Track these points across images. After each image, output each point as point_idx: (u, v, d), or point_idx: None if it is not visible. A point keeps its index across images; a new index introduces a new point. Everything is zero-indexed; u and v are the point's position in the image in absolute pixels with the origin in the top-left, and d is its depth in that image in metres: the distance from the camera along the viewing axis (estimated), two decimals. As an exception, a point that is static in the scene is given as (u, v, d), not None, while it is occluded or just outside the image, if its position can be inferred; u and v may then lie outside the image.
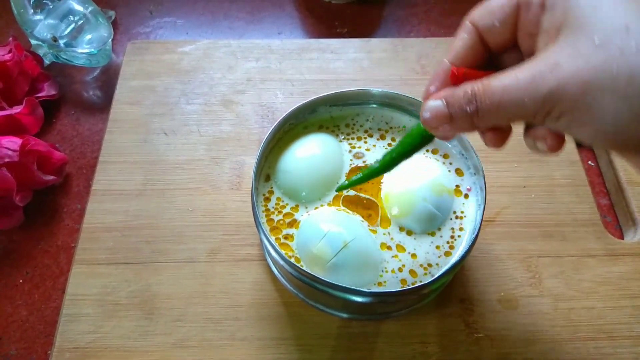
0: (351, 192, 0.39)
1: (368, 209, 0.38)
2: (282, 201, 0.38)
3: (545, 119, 0.21)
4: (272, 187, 0.39)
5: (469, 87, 0.23)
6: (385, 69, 0.53)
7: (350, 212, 0.38)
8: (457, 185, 0.39)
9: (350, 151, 0.41)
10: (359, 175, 0.33)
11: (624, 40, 0.19)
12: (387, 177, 0.39)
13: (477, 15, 0.25)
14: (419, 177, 0.38)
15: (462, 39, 0.26)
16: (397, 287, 0.35)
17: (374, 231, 0.37)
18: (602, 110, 0.20)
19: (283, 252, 0.35)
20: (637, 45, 0.19)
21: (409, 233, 0.37)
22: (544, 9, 0.22)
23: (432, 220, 0.37)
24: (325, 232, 0.35)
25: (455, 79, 0.24)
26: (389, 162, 0.31)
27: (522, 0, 0.23)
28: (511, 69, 0.22)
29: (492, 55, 0.26)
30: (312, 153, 0.40)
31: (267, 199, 0.39)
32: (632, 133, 0.20)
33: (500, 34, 0.25)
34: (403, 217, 0.37)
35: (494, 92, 0.22)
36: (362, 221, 0.37)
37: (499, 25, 0.24)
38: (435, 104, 0.24)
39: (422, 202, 0.37)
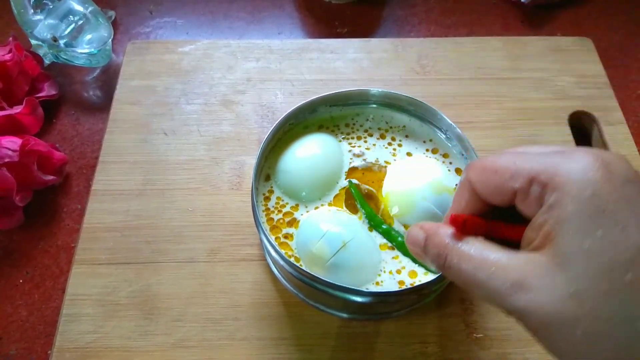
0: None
1: (369, 199, 0.38)
2: (282, 200, 0.38)
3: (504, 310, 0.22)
4: (272, 187, 0.39)
5: (443, 243, 0.24)
6: (385, 69, 0.53)
7: (350, 213, 0.38)
8: (456, 185, 0.39)
9: (350, 150, 0.41)
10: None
11: (600, 303, 0.19)
12: (387, 176, 0.39)
13: (477, 181, 0.24)
14: (419, 176, 0.38)
15: (463, 196, 0.25)
16: (395, 288, 0.35)
17: (372, 229, 0.37)
18: (555, 343, 0.20)
19: (283, 252, 0.35)
20: (611, 312, 0.19)
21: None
22: (539, 204, 0.21)
23: (433, 219, 0.37)
24: (324, 231, 0.35)
25: (456, 224, 0.24)
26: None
27: (520, 191, 0.22)
28: (485, 247, 0.22)
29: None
30: (312, 153, 0.40)
31: (267, 199, 0.39)
32: None
33: (498, 202, 0.24)
34: (404, 216, 0.37)
35: (464, 270, 0.23)
36: (363, 222, 0.37)
37: (496, 197, 0.24)
38: (416, 234, 0.26)
39: (422, 201, 0.37)
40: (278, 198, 0.38)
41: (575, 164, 0.21)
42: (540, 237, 0.21)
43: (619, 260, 0.19)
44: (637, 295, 0.19)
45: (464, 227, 0.24)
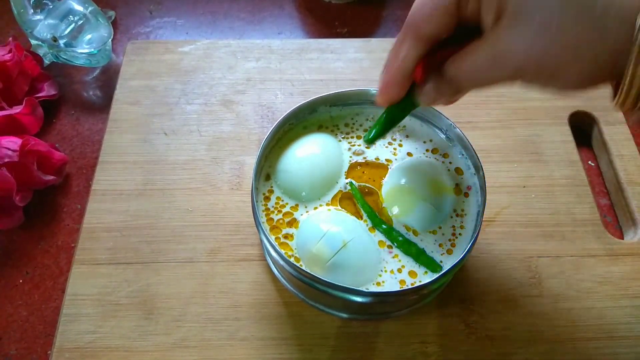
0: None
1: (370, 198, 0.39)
2: (282, 200, 0.38)
3: (514, 83, 0.26)
4: (272, 187, 0.39)
5: (447, 73, 0.28)
6: (385, 69, 0.53)
7: (349, 213, 0.38)
8: (456, 184, 0.39)
9: (349, 149, 0.41)
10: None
11: (563, 14, 0.22)
12: (387, 176, 0.39)
13: (420, 20, 0.27)
14: (419, 176, 0.38)
15: (405, 44, 0.28)
16: (396, 288, 0.35)
17: (373, 230, 0.37)
18: (561, 75, 0.24)
19: (283, 251, 0.35)
20: (557, 27, 0.23)
21: (414, 233, 0.37)
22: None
23: (433, 219, 0.37)
24: (325, 232, 0.35)
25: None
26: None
27: None
28: (473, 46, 0.26)
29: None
30: (311, 153, 0.40)
31: (267, 198, 0.39)
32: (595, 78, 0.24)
33: (440, 25, 0.27)
34: (403, 216, 0.37)
35: (469, 73, 0.27)
36: (364, 221, 0.37)
37: (442, 29, 0.27)
38: (429, 90, 0.30)
39: (422, 201, 0.37)
40: (278, 198, 0.38)
41: None
42: (494, 13, 0.24)
43: None
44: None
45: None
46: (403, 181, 0.38)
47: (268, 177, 0.40)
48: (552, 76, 0.24)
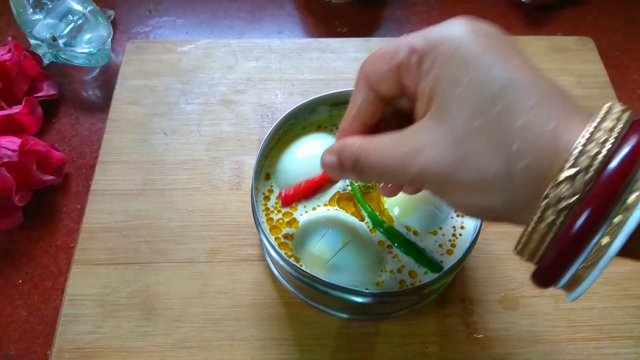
0: (348, 188, 0.39)
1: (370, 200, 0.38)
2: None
3: (418, 189, 0.24)
4: (272, 186, 0.39)
5: (353, 150, 0.25)
6: (385, 68, 0.53)
7: (348, 213, 0.38)
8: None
9: None
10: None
11: (475, 141, 0.20)
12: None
13: (370, 71, 0.26)
14: None
15: (359, 94, 0.26)
16: (396, 288, 0.35)
17: (374, 231, 0.37)
18: (456, 197, 0.22)
19: (282, 252, 0.35)
20: (487, 145, 0.20)
21: (415, 233, 0.37)
22: (419, 74, 0.23)
23: (434, 220, 0.37)
24: (324, 232, 0.35)
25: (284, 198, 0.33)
26: None
27: (402, 64, 0.23)
28: (387, 135, 0.24)
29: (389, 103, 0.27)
30: (311, 153, 0.39)
31: (267, 198, 0.38)
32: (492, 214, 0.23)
33: (390, 89, 0.25)
34: (404, 217, 0.37)
35: (374, 161, 0.24)
36: (365, 223, 0.37)
37: (387, 83, 0.25)
38: (329, 160, 0.27)
39: (423, 202, 0.37)
40: (278, 198, 0.38)
41: (445, 28, 0.22)
42: (424, 103, 0.23)
43: (486, 96, 0.20)
44: (507, 122, 0.20)
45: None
46: None
47: (268, 177, 0.39)
48: (452, 197, 0.23)
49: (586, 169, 0.18)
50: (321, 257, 0.34)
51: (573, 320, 0.39)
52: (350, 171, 0.26)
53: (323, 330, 0.38)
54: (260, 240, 0.39)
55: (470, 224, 0.37)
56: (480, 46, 0.21)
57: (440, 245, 0.36)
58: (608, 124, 0.19)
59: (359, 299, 0.33)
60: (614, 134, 0.19)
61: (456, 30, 0.22)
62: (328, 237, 0.35)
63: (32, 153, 0.44)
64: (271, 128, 0.38)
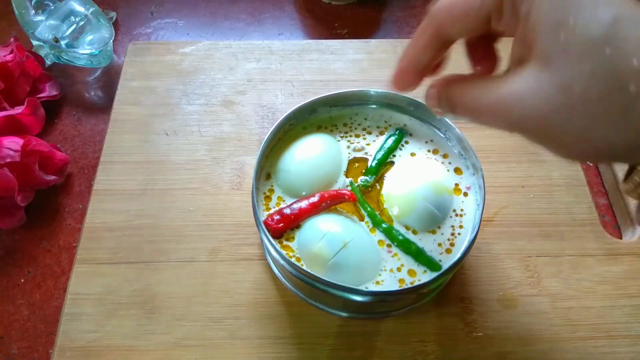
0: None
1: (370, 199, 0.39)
2: (284, 201, 0.39)
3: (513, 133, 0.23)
4: (272, 186, 0.39)
5: (450, 94, 0.25)
6: (385, 69, 0.53)
7: (348, 212, 0.38)
8: (456, 184, 0.39)
9: (348, 147, 0.41)
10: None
11: (587, 87, 0.19)
12: (387, 177, 0.40)
13: (445, 20, 0.25)
14: (419, 177, 0.39)
15: (424, 40, 0.26)
16: (395, 287, 0.35)
17: (373, 230, 0.37)
18: (562, 144, 0.21)
19: (284, 251, 0.35)
20: (600, 90, 0.19)
21: (414, 232, 0.37)
22: (515, 17, 0.22)
23: (432, 219, 0.37)
24: (325, 232, 0.35)
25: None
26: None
27: (493, 10, 0.22)
28: (484, 83, 0.23)
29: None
30: (311, 152, 0.40)
31: (268, 198, 0.39)
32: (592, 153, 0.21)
33: (466, 33, 0.25)
34: (404, 217, 0.37)
35: (469, 107, 0.24)
36: (365, 223, 0.38)
37: (467, 29, 0.24)
38: (428, 97, 0.27)
39: (422, 201, 0.37)
40: (279, 198, 0.39)
41: None
42: (524, 47, 0.21)
43: (594, 39, 0.19)
44: (619, 63, 0.19)
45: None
46: (403, 182, 0.39)
47: (268, 177, 0.40)
48: (558, 144, 0.22)
49: None
50: (322, 256, 0.35)
51: (571, 319, 0.39)
52: (445, 105, 0.26)
53: (323, 329, 0.38)
54: (261, 239, 0.39)
55: (469, 224, 0.38)
56: None
57: (439, 245, 0.37)
58: None
59: (358, 298, 0.33)
60: None
61: None
62: (328, 238, 0.35)
63: (34, 153, 0.44)
64: (271, 128, 0.39)
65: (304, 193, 0.38)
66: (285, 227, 0.36)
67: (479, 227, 0.35)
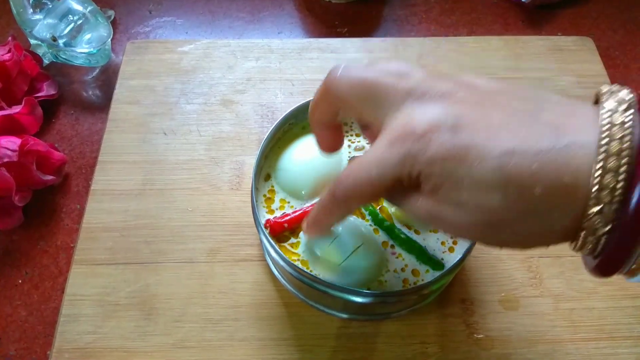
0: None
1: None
2: (288, 203, 0.38)
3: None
4: (272, 187, 0.39)
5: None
6: (386, 68, 0.53)
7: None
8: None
9: (349, 146, 0.41)
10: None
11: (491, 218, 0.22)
12: None
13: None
14: None
15: (326, 109, 0.29)
16: (399, 287, 0.35)
17: (376, 231, 0.37)
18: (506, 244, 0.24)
19: (282, 252, 0.34)
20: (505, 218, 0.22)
21: (416, 232, 0.37)
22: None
23: None
24: (334, 236, 0.35)
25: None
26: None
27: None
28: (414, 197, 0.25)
29: None
30: (311, 152, 0.39)
31: (270, 200, 0.38)
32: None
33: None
34: (404, 216, 0.37)
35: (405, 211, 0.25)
36: (366, 220, 0.37)
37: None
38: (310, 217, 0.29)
39: None
40: (282, 200, 0.38)
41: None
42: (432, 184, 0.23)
43: (487, 189, 0.21)
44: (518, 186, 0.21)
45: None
46: None
47: (268, 177, 0.39)
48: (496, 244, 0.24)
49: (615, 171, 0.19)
50: (331, 261, 0.34)
51: (573, 320, 0.39)
52: (332, 206, 0.27)
53: (323, 330, 0.38)
54: (261, 240, 0.39)
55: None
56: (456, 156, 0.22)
57: (442, 243, 0.36)
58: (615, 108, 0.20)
59: (359, 299, 0.33)
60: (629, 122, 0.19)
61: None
62: (338, 241, 0.35)
63: (32, 153, 0.44)
64: (271, 128, 0.38)
65: (303, 192, 0.38)
66: (283, 230, 0.36)
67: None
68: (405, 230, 0.37)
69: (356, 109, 0.26)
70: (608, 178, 0.19)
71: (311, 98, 0.40)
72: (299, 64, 0.53)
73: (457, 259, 0.34)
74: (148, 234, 0.42)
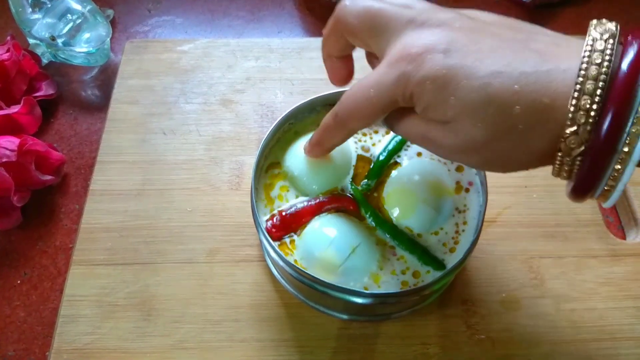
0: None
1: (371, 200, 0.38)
2: (287, 190, 0.38)
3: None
4: (282, 182, 0.38)
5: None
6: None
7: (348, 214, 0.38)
8: (457, 182, 0.38)
9: (356, 143, 0.40)
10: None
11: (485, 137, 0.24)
12: (390, 178, 0.39)
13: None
14: (420, 178, 0.38)
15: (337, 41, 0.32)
16: (398, 288, 0.34)
17: (374, 229, 0.37)
18: (495, 167, 0.26)
19: (282, 252, 0.34)
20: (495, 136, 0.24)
21: (419, 236, 0.36)
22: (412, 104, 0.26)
23: (433, 222, 0.37)
24: (332, 238, 0.35)
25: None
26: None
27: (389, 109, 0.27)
28: (412, 119, 0.28)
29: None
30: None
31: (270, 186, 0.38)
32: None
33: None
34: (404, 219, 0.37)
35: (402, 133, 0.28)
36: (364, 221, 0.37)
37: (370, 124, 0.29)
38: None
39: (422, 203, 0.36)
40: (282, 188, 0.38)
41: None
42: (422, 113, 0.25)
43: (473, 106, 0.23)
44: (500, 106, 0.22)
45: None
46: (403, 183, 0.38)
47: (277, 166, 0.39)
48: (489, 167, 0.26)
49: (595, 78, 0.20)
50: (331, 263, 0.34)
51: (574, 321, 0.39)
52: (334, 126, 0.29)
53: (323, 332, 0.38)
54: (260, 240, 0.39)
55: (472, 221, 0.37)
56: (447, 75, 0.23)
57: (444, 244, 0.36)
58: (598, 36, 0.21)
59: (359, 300, 0.33)
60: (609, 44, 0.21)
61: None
62: (336, 244, 0.35)
63: (30, 153, 0.44)
64: (270, 128, 0.38)
65: (314, 187, 0.37)
66: (283, 232, 0.36)
67: (481, 227, 0.35)
68: (406, 230, 0.36)
69: (362, 38, 0.28)
70: (584, 100, 0.20)
71: (311, 97, 0.40)
72: (299, 63, 0.53)
73: (458, 259, 0.33)
74: (147, 235, 0.42)
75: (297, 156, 0.38)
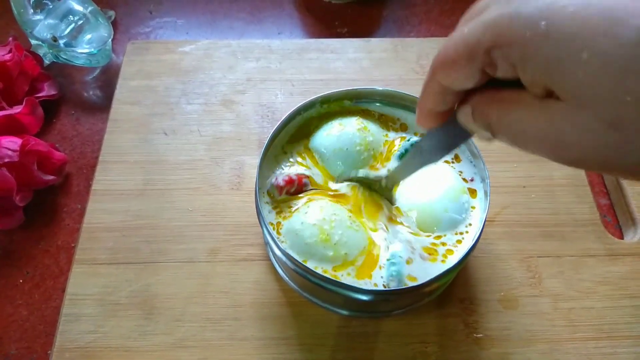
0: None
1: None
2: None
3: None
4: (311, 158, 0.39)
5: (489, 114, 0.22)
6: (385, 69, 0.53)
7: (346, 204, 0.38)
8: (466, 179, 0.39)
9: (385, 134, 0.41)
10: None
11: (636, 118, 0.17)
12: (400, 194, 0.39)
13: (445, 80, 0.23)
14: (435, 188, 0.38)
15: (438, 97, 0.24)
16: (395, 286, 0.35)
17: (375, 229, 0.37)
18: (622, 170, 0.19)
19: (286, 251, 0.35)
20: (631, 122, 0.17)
21: (415, 234, 0.37)
22: (511, 64, 0.19)
23: (455, 226, 0.37)
24: (311, 223, 0.35)
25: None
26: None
27: (485, 65, 0.20)
28: (526, 108, 0.20)
29: None
30: (353, 129, 0.40)
31: (275, 206, 0.38)
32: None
33: (475, 83, 0.22)
34: (430, 232, 0.37)
35: (512, 132, 0.21)
36: (350, 216, 0.37)
37: (471, 82, 0.22)
38: (465, 111, 0.24)
39: (444, 213, 0.36)
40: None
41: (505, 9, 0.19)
42: (540, 90, 0.19)
43: (622, 67, 0.16)
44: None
45: None
46: (419, 198, 0.38)
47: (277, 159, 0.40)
48: (621, 173, 0.19)
49: None
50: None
51: (572, 319, 0.39)
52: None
53: (323, 330, 0.38)
54: (265, 239, 0.39)
55: (475, 223, 0.37)
56: (564, 8, 0.17)
57: (442, 244, 0.36)
58: None
59: (362, 297, 0.33)
60: None
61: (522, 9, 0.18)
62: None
63: (32, 153, 0.44)
64: (272, 128, 0.38)
65: (339, 163, 0.39)
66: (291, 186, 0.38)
67: (483, 226, 0.35)
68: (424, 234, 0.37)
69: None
70: None
71: (311, 98, 0.40)
72: (299, 64, 0.53)
73: (458, 259, 0.34)
74: (149, 234, 0.42)
75: (324, 137, 0.40)
